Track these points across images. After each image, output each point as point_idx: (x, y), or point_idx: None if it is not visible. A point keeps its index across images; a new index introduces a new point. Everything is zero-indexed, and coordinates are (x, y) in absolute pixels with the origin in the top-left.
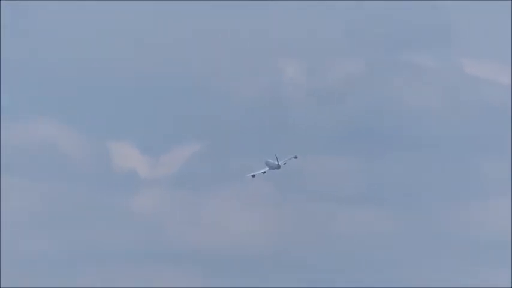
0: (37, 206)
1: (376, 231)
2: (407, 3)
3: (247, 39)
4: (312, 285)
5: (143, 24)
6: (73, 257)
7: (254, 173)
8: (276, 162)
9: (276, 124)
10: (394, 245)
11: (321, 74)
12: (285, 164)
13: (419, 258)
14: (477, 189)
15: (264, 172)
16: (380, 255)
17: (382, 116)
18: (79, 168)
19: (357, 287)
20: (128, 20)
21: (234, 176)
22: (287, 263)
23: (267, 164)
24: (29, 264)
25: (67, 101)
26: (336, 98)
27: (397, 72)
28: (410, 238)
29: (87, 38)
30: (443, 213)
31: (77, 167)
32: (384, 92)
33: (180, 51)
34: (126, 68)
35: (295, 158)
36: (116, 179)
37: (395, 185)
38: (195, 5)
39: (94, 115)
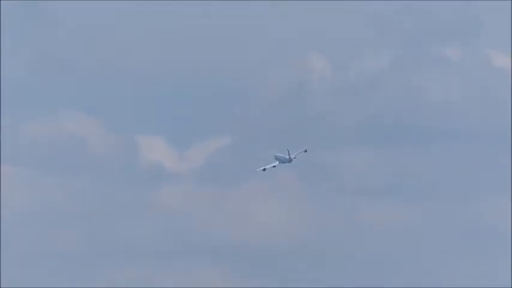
0: (64, 199)
1: (399, 222)
2: None
3: (273, 34)
4: (335, 277)
5: (168, 19)
6: (99, 250)
7: (265, 167)
8: (287, 156)
9: (301, 118)
10: (415, 236)
11: (347, 69)
12: (295, 158)
13: (440, 250)
14: (501, 183)
15: (274, 166)
16: (401, 247)
17: (408, 110)
18: (106, 162)
19: (379, 279)
20: (154, 15)
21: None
22: (311, 254)
23: (277, 158)
24: (56, 258)
25: (95, 95)
26: (362, 92)
27: (424, 65)
28: (431, 230)
29: (115, 31)
30: (465, 205)
31: (104, 160)
32: (411, 85)
33: (206, 46)
34: (154, 62)
35: (305, 151)
36: (143, 173)
37: (419, 177)
38: None
39: (122, 109)
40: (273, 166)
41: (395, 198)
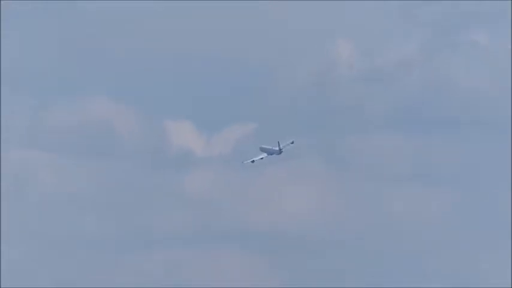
0: (93, 184)
1: (427, 209)
2: None
3: (300, 20)
4: (362, 262)
5: (196, 6)
6: (127, 236)
7: (253, 159)
8: (276, 148)
9: (328, 104)
10: (443, 222)
11: (375, 55)
12: (282, 149)
13: (469, 236)
14: None
15: (262, 158)
16: (429, 233)
17: (436, 96)
18: (135, 147)
19: (406, 264)
20: (183, 2)
21: (287, 154)
22: (339, 240)
23: (263, 150)
24: (83, 244)
25: (123, 79)
26: (389, 79)
27: (453, 51)
28: (460, 217)
29: (144, 16)
30: (494, 192)
31: (132, 145)
32: (439, 71)
33: (234, 32)
34: (182, 47)
35: (292, 143)
36: (171, 158)
37: (448, 164)
38: None
39: (150, 94)
40: (260, 158)
41: (424, 185)
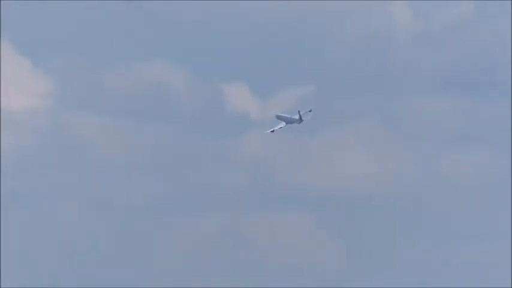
0: (150, 147)
1: (479, 171)
2: None
3: None
4: (417, 224)
5: None
6: (184, 199)
7: (273, 129)
8: (296, 117)
9: (382, 67)
10: (496, 186)
11: (429, 16)
12: (303, 118)
13: None
14: None
15: (281, 127)
16: (483, 195)
17: (491, 57)
18: (190, 110)
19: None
20: None
21: (341, 117)
22: (393, 202)
23: (280, 118)
24: (139, 208)
25: (180, 43)
26: (443, 40)
27: (506, 13)
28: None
29: None
30: None
31: (188, 108)
32: (494, 32)
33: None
34: (238, 11)
35: (310, 111)
36: (228, 121)
37: (500, 126)
38: None
39: (206, 57)
40: (279, 127)
41: (477, 147)
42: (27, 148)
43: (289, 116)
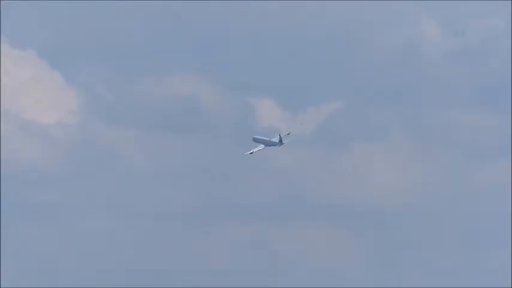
0: (179, 160)
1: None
2: None
3: None
4: (449, 237)
5: None
6: (213, 212)
7: (252, 150)
8: (275, 139)
9: (412, 80)
10: None
11: (460, 33)
12: (281, 141)
13: None
14: None
15: (259, 150)
16: None
17: None
18: (219, 123)
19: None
20: None
21: (373, 131)
22: (424, 216)
23: (257, 141)
24: (170, 218)
25: (210, 56)
26: (475, 54)
27: None
28: None
29: None
30: None
31: (217, 121)
32: None
33: (319, 10)
34: (270, 28)
35: (288, 135)
36: (258, 134)
37: None
38: None
39: (237, 71)
40: (258, 150)
41: (508, 160)
42: (58, 160)
43: (268, 138)
